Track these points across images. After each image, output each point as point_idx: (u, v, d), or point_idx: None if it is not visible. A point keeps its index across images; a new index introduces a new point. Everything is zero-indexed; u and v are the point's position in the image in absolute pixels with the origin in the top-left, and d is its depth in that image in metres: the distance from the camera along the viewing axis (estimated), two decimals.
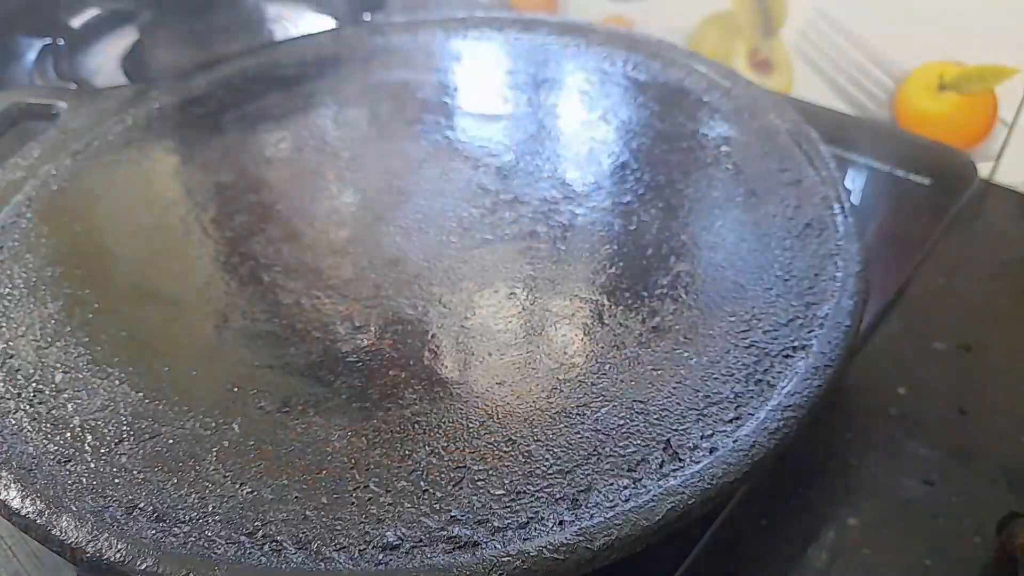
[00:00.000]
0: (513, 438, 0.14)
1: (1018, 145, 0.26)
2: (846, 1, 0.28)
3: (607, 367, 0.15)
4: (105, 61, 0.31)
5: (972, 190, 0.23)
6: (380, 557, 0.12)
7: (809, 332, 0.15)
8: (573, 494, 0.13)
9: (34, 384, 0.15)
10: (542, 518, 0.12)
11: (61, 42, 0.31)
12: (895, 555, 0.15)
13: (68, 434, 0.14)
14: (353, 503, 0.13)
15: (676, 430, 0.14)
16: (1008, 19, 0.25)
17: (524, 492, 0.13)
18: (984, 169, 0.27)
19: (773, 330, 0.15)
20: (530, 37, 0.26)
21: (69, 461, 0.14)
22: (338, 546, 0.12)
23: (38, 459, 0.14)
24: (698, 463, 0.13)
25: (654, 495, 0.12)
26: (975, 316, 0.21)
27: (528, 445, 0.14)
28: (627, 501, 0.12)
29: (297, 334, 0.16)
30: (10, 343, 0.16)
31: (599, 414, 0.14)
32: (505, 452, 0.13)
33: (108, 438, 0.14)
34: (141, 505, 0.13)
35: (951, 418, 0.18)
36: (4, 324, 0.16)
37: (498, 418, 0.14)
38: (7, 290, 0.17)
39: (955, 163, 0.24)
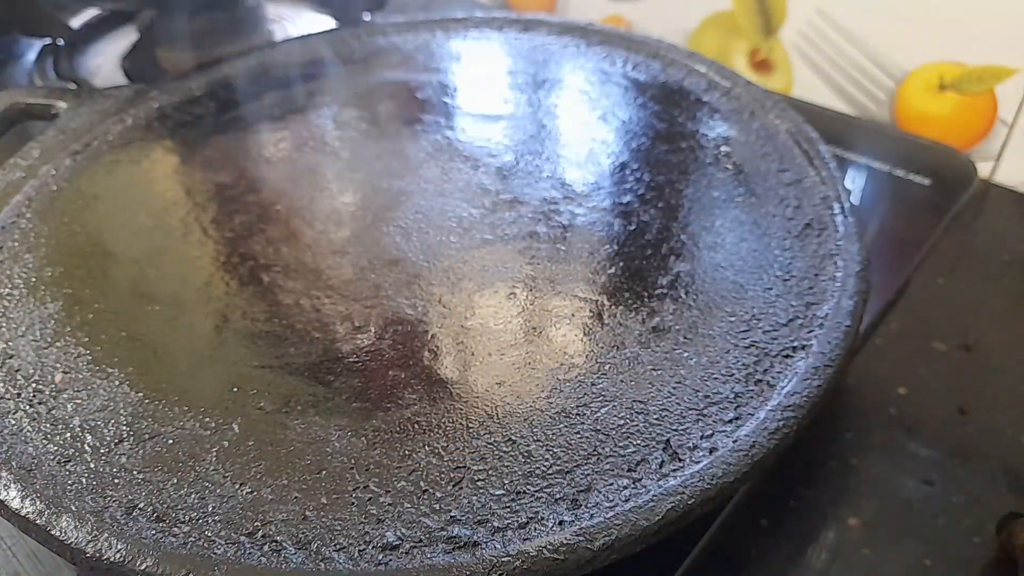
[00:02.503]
0: (513, 438, 0.14)
1: (1018, 145, 0.26)
2: (846, 1, 0.28)
3: (607, 367, 0.15)
4: (104, 61, 0.31)
5: (972, 190, 0.23)
6: (380, 557, 0.12)
7: (809, 332, 0.15)
8: (573, 494, 0.13)
9: (34, 384, 0.15)
10: (542, 518, 0.12)
11: (61, 42, 0.31)
12: (895, 555, 0.15)
13: (68, 434, 0.14)
14: (353, 503, 0.13)
15: (676, 430, 0.14)
16: (1008, 19, 0.25)
17: (524, 492, 0.13)
18: (984, 169, 0.27)
19: (773, 330, 0.15)
20: (530, 37, 0.26)
21: (69, 461, 0.14)
22: (338, 546, 0.12)
23: (38, 459, 0.14)
24: (698, 463, 0.13)
25: (654, 495, 0.12)
26: (975, 316, 0.21)
27: (528, 445, 0.14)
28: (627, 501, 0.12)
29: (297, 334, 0.16)
30: (10, 343, 0.16)
31: (599, 414, 0.14)
32: (505, 452, 0.13)
33: (108, 438, 0.14)
34: (141, 505, 0.13)
35: (951, 418, 0.18)
36: (4, 324, 0.16)
37: (498, 418, 0.14)
38: (7, 290, 0.17)
39: (955, 163, 0.24)
